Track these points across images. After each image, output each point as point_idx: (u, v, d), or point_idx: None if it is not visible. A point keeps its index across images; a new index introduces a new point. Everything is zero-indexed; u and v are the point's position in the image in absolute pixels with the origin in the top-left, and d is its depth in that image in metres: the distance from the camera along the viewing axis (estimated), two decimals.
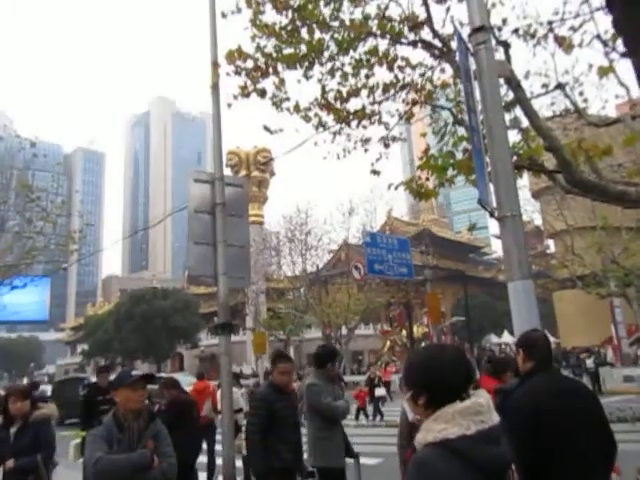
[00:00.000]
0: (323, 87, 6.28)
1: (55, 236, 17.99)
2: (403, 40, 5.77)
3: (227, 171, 39.11)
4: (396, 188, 5.97)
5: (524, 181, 18.56)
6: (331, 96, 6.31)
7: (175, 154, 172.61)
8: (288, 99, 6.34)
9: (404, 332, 36.45)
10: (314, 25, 5.86)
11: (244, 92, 6.21)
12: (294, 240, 32.70)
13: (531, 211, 27.48)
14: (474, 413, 1.29)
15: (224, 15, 6.20)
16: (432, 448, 1.27)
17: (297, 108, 6.30)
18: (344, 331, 32.93)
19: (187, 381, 23.82)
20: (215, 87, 5.90)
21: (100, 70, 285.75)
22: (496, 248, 63.59)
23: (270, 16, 5.95)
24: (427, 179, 5.79)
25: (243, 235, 5.13)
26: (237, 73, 6.01)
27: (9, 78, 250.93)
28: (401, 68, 6.07)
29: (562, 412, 2.25)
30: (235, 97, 6.17)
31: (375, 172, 6.61)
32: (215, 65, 6.02)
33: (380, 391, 16.15)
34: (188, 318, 41.69)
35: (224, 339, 4.52)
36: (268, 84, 6.29)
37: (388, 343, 39.29)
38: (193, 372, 38.08)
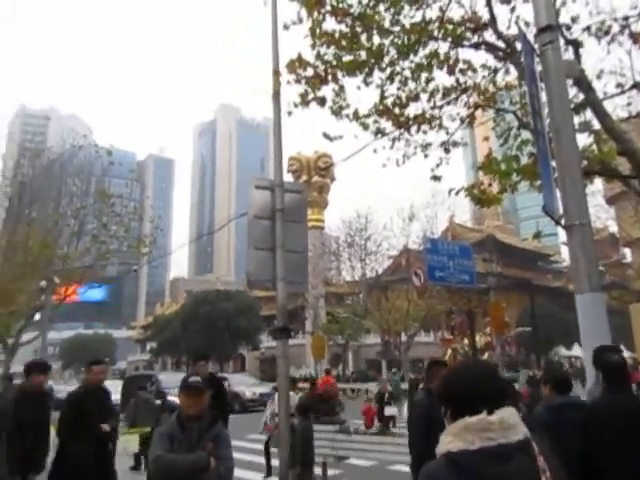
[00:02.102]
0: (382, 93, 6.27)
1: (128, 239, 19.05)
2: (465, 43, 5.64)
3: (289, 177, 39.70)
4: (457, 193, 5.84)
5: (597, 186, 17.50)
6: (390, 102, 6.28)
7: (239, 160, 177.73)
8: (348, 106, 6.38)
9: (466, 341, 35.39)
10: (374, 31, 5.87)
11: (304, 100, 6.31)
12: (353, 245, 32.67)
13: (605, 218, 25.88)
14: (480, 429, 1.31)
15: (286, 27, 6.34)
16: (438, 459, 1.34)
17: (356, 115, 6.33)
18: (403, 338, 32.45)
19: (247, 382, 24.32)
20: (276, 95, 6.04)
21: (171, 80, 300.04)
22: (566, 256, 60.38)
23: (330, 24, 6.03)
24: (490, 185, 5.62)
25: (302, 241, 5.20)
26: (297, 81, 6.11)
27: (87, 87, 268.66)
28: (463, 71, 5.95)
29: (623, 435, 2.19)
30: (295, 105, 6.28)
31: (436, 178, 6.50)
32: (276, 74, 6.17)
33: (391, 410, 13.75)
34: (250, 320, 42.64)
35: (281, 343, 4.60)
36: (327, 91, 6.36)
37: (449, 352, 38.26)
38: (254, 373, 38.92)
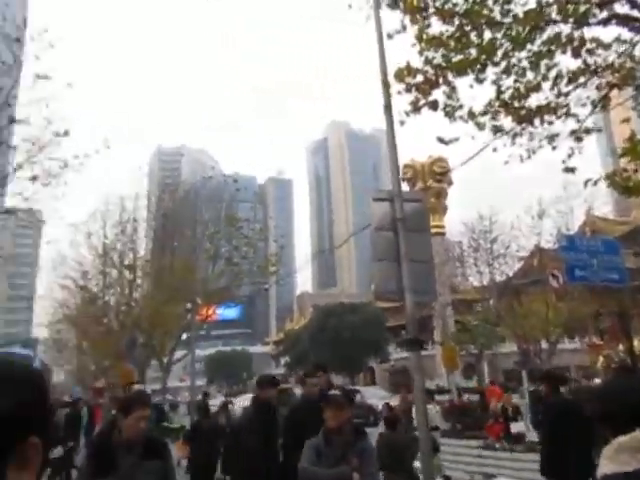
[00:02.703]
0: (498, 88, 5.96)
1: (257, 260, 20.29)
2: (591, 21, 5.15)
3: (403, 185, 39.21)
4: (595, 184, 5.32)
5: None
6: (507, 96, 5.94)
7: (353, 172, 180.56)
8: (461, 107, 6.17)
9: (621, 346, 31.61)
10: (483, 26, 5.62)
11: (415, 107, 6.23)
12: (479, 249, 31.15)
13: None
14: (633, 449, 1.18)
15: (390, 36, 6.35)
16: None
17: (471, 114, 6.09)
18: (544, 345, 29.98)
19: (379, 395, 24.24)
20: (387, 107, 6.05)
21: (282, 105, 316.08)
22: None
23: (436, 27, 5.91)
24: (635, 171, 5.03)
25: (426, 249, 5.10)
26: (408, 90, 6.06)
27: (211, 122, 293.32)
28: (590, 51, 5.42)
29: None
30: (407, 114, 6.22)
31: (568, 169, 5.98)
32: (386, 85, 6.19)
33: (518, 426, 11.98)
34: (376, 332, 42.63)
35: (414, 355, 4.52)
36: (438, 94, 6.22)
37: (601, 359, 34.48)
38: (384, 386, 38.67)
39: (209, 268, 20.82)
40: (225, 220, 21.19)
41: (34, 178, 12.81)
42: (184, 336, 21.65)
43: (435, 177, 40.60)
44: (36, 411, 0.76)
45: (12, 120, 12.85)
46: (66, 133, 13.02)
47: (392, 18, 6.24)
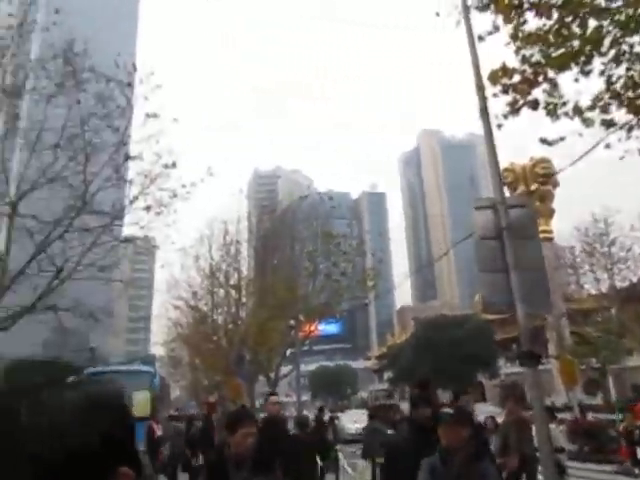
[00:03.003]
0: (608, 78, 5.50)
1: (355, 274, 20.38)
2: None
3: (504, 190, 37.42)
4: None
5: None
6: (620, 86, 5.46)
7: (447, 179, 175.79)
8: (565, 103, 5.78)
9: None
10: (587, 15, 5.25)
11: (514, 108, 5.96)
12: (594, 254, 28.64)
13: None
14: None
15: (481, 38, 6.17)
16: None
17: (578, 110, 5.67)
18: None
19: (488, 411, 23.03)
20: (483, 111, 5.85)
21: (369, 117, 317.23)
22: None
23: (532, 23, 5.63)
24: None
25: (536, 257, 4.80)
26: (504, 92, 5.82)
27: (305, 142, 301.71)
28: None
29: None
30: (505, 116, 5.96)
31: None
32: (480, 89, 6.00)
33: None
34: (484, 345, 40.61)
35: (531, 370, 4.24)
36: (538, 93, 5.89)
37: None
38: (495, 402, 36.57)
39: (309, 285, 21.27)
40: (322, 237, 21.60)
41: (148, 208, 14.06)
42: (288, 352, 22.26)
43: (538, 179, 38.24)
44: (126, 441, 0.77)
45: (127, 157, 14.26)
46: (174, 165, 14.16)
47: (483, 19, 6.06)
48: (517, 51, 5.71)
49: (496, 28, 5.93)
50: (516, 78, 5.81)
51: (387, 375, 59.14)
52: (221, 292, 23.39)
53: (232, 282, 22.49)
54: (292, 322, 19.04)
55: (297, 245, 23.44)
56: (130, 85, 14.02)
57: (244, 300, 22.57)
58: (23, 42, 13.41)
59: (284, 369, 22.07)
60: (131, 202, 14.06)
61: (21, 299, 13.11)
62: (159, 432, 12.68)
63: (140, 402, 13.64)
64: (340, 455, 12.82)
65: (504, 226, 4.72)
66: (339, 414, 29.78)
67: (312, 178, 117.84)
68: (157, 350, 44.10)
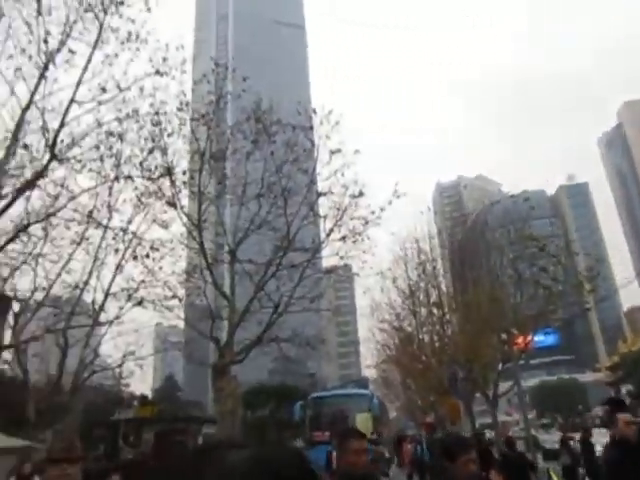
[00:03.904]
0: None
1: (568, 278, 18.21)
2: None
3: None
4: None
5: None
6: None
7: None
8: None
9: None
10: None
11: None
12: None
13: None
14: None
15: None
16: None
17: None
18: None
19: None
20: None
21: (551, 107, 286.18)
22: None
23: None
24: None
25: None
26: None
27: (490, 149, 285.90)
28: None
29: None
30: None
31: None
32: None
33: None
34: None
35: None
36: None
37: None
38: None
39: (517, 295, 19.78)
40: (522, 241, 19.99)
41: (343, 238, 14.85)
42: (502, 366, 20.81)
43: None
44: None
45: (319, 194, 15.33)
46: (361, 194, 14.73)
47: None
48: None
49: None
50: None
51: (625, 388, 50.98)
52: (423, 311, 23.20)
53: (433, 299, 22.17)
54: (504, 336, 17.77)
55: (494, 254, 22.15)
56: (312, 128, 15.19)
57: (448, 317, 21.99)
58: (222, 112, 15.60)
59: (502, 386, 20.61)
60: (327, 235, 15.01)
61: (248, 334, 14.90)
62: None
63: (362, 423, 14.26)
64: None
65: None
66: (572, 434, 26.44)
67: (499, 182, 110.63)
68: (369, 372, 45.54)
